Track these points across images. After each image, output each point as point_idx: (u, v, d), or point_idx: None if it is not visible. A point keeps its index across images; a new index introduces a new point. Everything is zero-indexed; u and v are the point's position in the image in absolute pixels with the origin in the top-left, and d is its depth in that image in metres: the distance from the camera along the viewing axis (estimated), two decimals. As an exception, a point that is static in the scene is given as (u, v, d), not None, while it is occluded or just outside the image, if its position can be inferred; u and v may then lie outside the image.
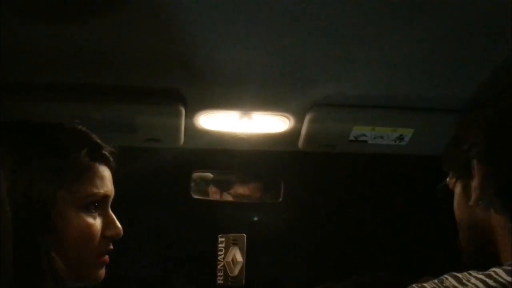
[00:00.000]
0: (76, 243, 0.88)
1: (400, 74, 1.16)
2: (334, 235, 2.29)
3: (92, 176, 0.91)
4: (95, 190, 0.90)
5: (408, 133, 1.40)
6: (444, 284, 0.75)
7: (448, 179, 0.90)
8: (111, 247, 0.94)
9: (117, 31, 0.97)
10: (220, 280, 1.14)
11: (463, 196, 0.85)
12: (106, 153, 0.94)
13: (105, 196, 0.92)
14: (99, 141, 0.95)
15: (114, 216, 0.94)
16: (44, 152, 0.87)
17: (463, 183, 0.86)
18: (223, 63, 1.10)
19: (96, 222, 0.90)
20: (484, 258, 0.82)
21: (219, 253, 1.15)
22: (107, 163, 0.95)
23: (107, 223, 0.92)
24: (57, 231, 0.86)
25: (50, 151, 0.88)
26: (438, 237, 2.11)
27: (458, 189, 0.87)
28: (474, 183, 0.82)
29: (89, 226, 0.89)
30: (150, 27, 0.95)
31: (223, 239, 1.15)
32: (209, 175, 1.84)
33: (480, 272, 0.75)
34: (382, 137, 1.42)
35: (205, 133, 1.46)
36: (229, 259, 1.13)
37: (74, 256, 0.88)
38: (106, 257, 0.93)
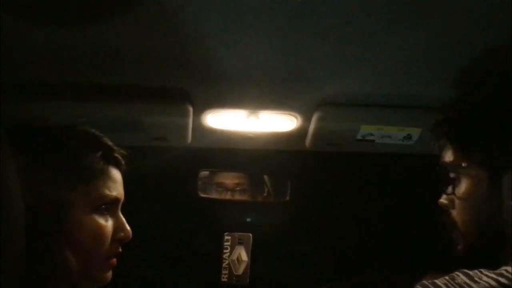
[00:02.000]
0: (88, 244, 0.89)
1: (408, 73, 1.16)
2: (341, 234, 2.28)
3: (105, 178, 0.92)
4: (107, 192, 0.92)
5: (415, 132, 1.40)
6: (456, 281, 0.75)
7: (462, 167, 0.86)
8: (120, 250, 0.95)
9: (124, 31, 0.97)
10: (224, 278, 1.14)
11: (480, 192, 0.83)
12: (119, 156, 0.96)
13: (116, 199, 0.94)
14: (111, 144, 0.96)
15: (124, 219, 0.96)
16: (58, 155, 0.89)
17: (480, 174, 0.83)
18: (230, 62, 1.10)
19: (108, 224, 0.92)
20: (494, 256, 0.81)
21: (225, 251, 1.15)
22: (118, 166, 0.96)
23: (118, 226, 0.94)
24: (70, 232, 0.87)
25: (64, 154, 0.89)
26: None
27: (472, 180, 0.85)
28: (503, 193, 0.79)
29: (101, 228, 0.90)
30: (157, 26, 0.96)
31: (229, 237, 1.16)
32: (216, 173, 1.84)
33: (492, 271, 0.75)
34: (389, 136, 1.41)
35: (213, 132, 1.46)
36: (234, 257, 1.13)
37: (86, 257, 0.89)
38: (114, 259, 0.94)
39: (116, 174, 0.95)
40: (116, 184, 0.94)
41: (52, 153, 0.88)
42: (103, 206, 0.91)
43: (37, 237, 0.82)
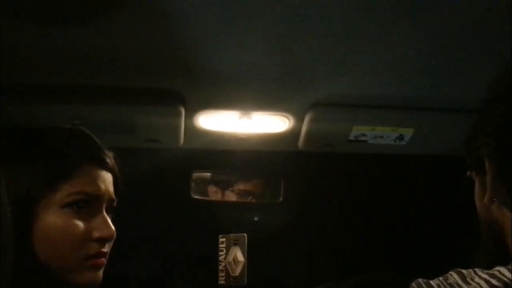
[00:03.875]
0: (58, 242, 0.85)
1: (400, 74, 1.16)
2: (335, 234, 2.29)
3: (81, 175, 0.88)
4: (79, 189, 0.87)
5: (408, 132, 1.40)
6: (448, 281, 0.76)
7: (468, 173, 0.89)
8: (105, 249, 0.90)
9: (117, 33, 0.97)
10: (221, 281, 1.13)
11: (480, 192, 0.85)
12: (101, 154, 0.93)
13: (95, 196, 0.89)
14: (97, 142, 0.94)
15: (107, 218, 0.91)
16: (27, 151, 0.87)
17: (480, 179, 0.85)
18: (223, 63, 1.10)
19: (81, 223, 0.87)
20: (500, 255, 0.82)
21: (220, 253, 1.13)
22: (101, 165, 0.92)
23: (98, 225, 0.89)
24: (41, 231, 0.84)
25: (33, 150, 0.87)
26: (437, 236, 2.11)
27: (476, 184, 0.87)
28: (487, 181, 0.81)
29: (71, 226, 0.86)
30: (150, 28, 0.96)
31: (224, 239, 1.14)
32: (209, 175, 1.84)
33: (485, 272, 0.75)
34: (382, 137, 1.42)
35: (205, 133, 1.46)
36: (230, 259, 1.12)
37: (60, 256, 0.85)
38: (100, 260, 0.89)
39: (97, 172, 0.91)
40: (94, 181, 0.90)
41: (20, 150, 0.86)
42: (79, 204, 0.87)
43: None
